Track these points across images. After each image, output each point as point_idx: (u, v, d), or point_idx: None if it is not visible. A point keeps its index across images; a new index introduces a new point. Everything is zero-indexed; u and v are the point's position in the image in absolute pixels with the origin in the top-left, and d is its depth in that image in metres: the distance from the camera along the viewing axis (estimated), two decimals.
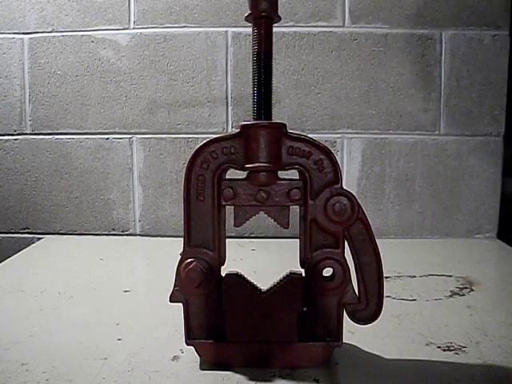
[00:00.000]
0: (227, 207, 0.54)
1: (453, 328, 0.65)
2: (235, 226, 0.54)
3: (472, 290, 0.80)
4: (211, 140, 0.53)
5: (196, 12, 1.12)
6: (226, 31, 1.12)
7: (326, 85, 1.13)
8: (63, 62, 1.15)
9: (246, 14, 0.52)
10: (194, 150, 0.53)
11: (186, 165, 0.53)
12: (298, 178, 0.53)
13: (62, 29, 1.14)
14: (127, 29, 1.14)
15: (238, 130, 0.52)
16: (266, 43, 0.52)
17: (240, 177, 0.53)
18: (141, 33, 1.14)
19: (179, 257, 0.53)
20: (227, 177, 0.54)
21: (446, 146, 1.13)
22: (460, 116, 1.12)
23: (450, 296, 0.78)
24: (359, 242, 0.52)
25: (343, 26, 1.11)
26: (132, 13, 1.13)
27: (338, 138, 1.14)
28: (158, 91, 1.15)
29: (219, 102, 1.14)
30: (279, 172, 0.53)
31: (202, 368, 0.54)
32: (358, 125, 1.13)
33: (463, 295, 0.78)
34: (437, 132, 1.13)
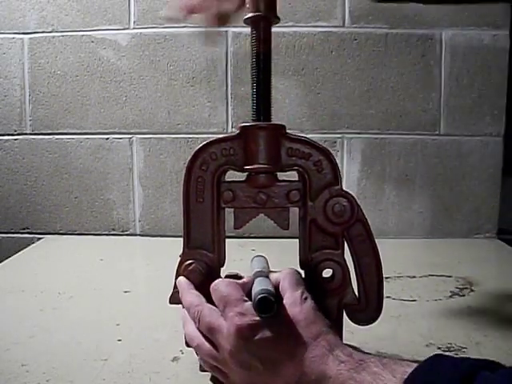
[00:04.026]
0: (227, 209, 0.54)
1: (453, 328, 0.65)
2: (235, 228, 0.53)
3: (472, 291, 0.80)
4: (210, 141, 0.52)
5: None
6: (226, 31, 1.12)
7: (326, 85, 1.13)
8: (63, 62, 1.15)
9: (245, 17, 0.52)
10: (193, 152, 0.53)
11: (185, 166, 0.53)
12: (296, 179, 0.53)
13: (61, 29, 1.14)
14: (127, 29, 1.14)
15: (238, 131, 0.52)
16: (264, 44, 0.52)
17: (239, 179, 0.53)
18: (141, 33, 1.14)
19: (179, 258, 0.53)
20: (227, 179, 0.54)
21: (446, 146, 1.13)
22: (460, 116, 1.12)
23: (450, 296, 0.78)
24: (359, 244, 0.52)
25: (343, 26, 1.11)
26: (132, 13, 1.13)
27: (338, 137, 1.14)
28: (158, 91, 1.15)
29: (219, 101, 1.14)
30: (278, 173, 0.53)
31: (202, 369, 0.54)
32: (357, 125, 1.13)
33: (463, 295, 0.78)
34: (437, 132, 1.13)
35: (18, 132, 1.18)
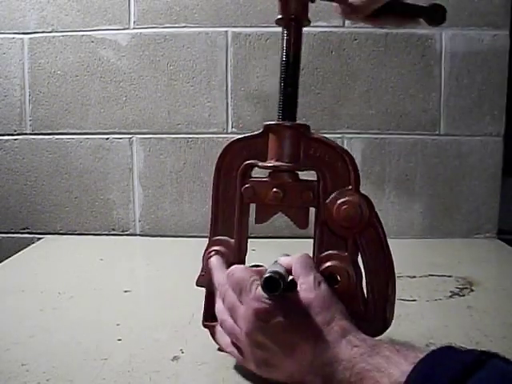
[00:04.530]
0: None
1: (453, 328, 0.65)
2: (256, 223, 0.55)
3: (472, 291, 0.80)
4: (238, 138, 0.55)
5: (196, 12, 1.12)
6: (226, 31, 1.12)
7: (326, 85, 1.13)
8: (63, 61, 1.15)
9: (277, 18, 0.54)
10: (223, 148, 0.55)
11: (215, 162, 0.55)
12: (315, 179, 0.53)
13: (61, 29, 1.14)
14: (127, 29, 1.14)
15: (262, 129, 0.54)
16: (294, 45, 0.53)
17: (264, 176, 0.55)
18: (141, 33, 1.14)
19: (205, 244, 0.56)
20: (253, 175, 0.56)
21: (446, 146, 1.13)
22: (460, 116, 1.12)
23: (450, 296, 0.78)
24: (370, 250, 0.51)
25: (343, 26, 1.11)
26: (132, 13, 1.13)
27: (338, 138, 1.14)
28: (158, 91, 1.15)
29: (219, 101, 1.14)
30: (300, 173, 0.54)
31: (202, 369, 0.54)
32: (357, 125, 1.13)
33: (463, 295, 0.78)
34: (437, 132, 1.13)
35: (17, 132, 1.18)
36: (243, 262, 0.56)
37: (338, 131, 1.14)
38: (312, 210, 0.54)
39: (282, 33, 0.53)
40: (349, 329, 0.44)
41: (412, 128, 1.13)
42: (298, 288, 0.47)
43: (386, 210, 1.14)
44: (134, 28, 1.14)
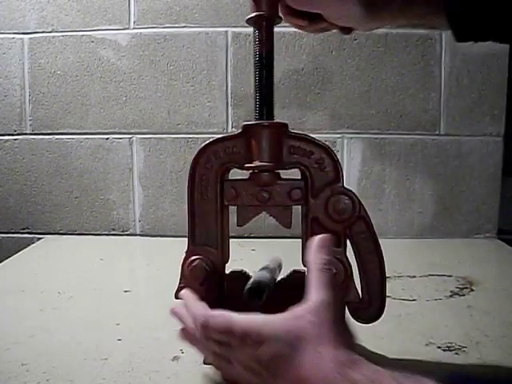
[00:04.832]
0: (231, 207, 0.55)
1: (453, 328, 0.65)
2: (238, 225, 0.54)
3: (472, 290, 0.80)
4: (214, 140, 0.53)
5: (196, 12, 1.12)
6: (226, 31, 1.12)
7: (326, 85, 1.13)
8: (63, 61, 1.15)
9: (248, 17, 0.53)
10: (197, 150, 0.53)
11: (190, 164, 0.53)
12: (299, 177, 0.54)
13: (61, 29, 1.14)
14: (127, 29, 1.14)
15: (241, 130, 0.53)
16: (266, 44, 0.52)
17: (243, 177, 0.54)
18: (141, 33, 1.14)
19: (184, 255, 0.54)
20: (231, 177, 0.55)
21: (446, 146, 1.13)
22: (460, 116, 1.12)
23: (450, 296, 0.78)
24: (361, 241, 0.52)
25: None
26: (132, 13, 1.13)
27: (338, 137, 1.14)
28: (158, 91, 1.15)
29: (219, 101, 1.14)
30: (281, 171, 0.54)
31: (202, 368, 0.54)
32: (357, 125, 1.13)
33: (463, 295, 0.78)
34: (437, 132, 1.13)
35: (17, 132, 1.18)
36: (224, 268, 0.55)
37: (338, 131, 1.14)
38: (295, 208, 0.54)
39: (254, 32, 0.52)
40: (345, 360, 0.40)
41: (412, 128, 1.13)
42: (305, 305, 0.44)
43: (386, 209, 1.14)
44: (134, 28, 1.14)
